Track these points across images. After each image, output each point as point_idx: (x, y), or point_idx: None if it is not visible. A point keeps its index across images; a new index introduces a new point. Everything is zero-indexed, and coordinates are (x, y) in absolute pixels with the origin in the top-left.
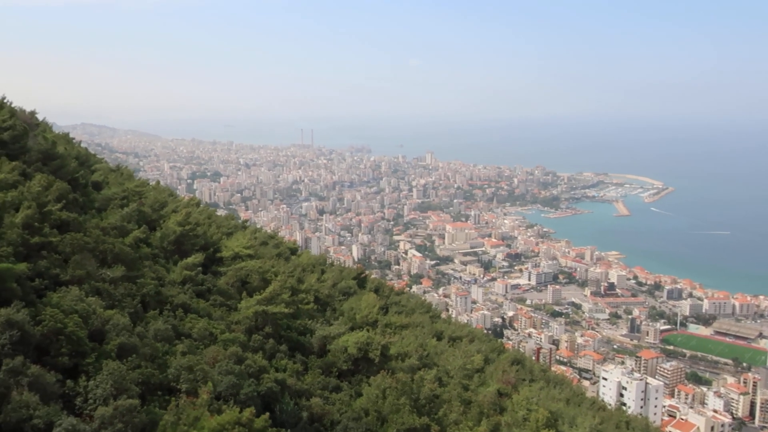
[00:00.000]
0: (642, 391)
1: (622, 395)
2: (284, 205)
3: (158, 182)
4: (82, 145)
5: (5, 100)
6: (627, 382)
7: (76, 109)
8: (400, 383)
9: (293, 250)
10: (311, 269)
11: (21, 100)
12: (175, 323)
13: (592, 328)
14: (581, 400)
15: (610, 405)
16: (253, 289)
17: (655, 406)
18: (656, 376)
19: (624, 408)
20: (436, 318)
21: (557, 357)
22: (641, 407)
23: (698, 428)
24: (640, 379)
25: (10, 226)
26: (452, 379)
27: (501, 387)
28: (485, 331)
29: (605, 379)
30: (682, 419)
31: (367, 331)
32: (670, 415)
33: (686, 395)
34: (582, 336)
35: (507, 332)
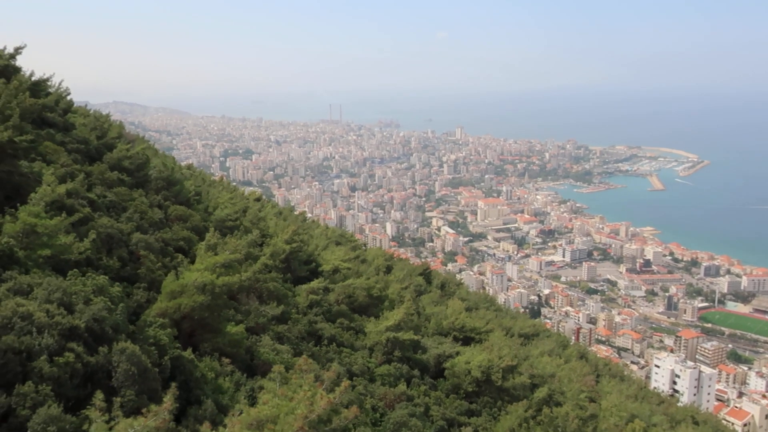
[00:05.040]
0: (695, 379)
1: (675, 383)
2: (316, 182)
3: (222, 178)
4: (117, 123)
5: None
6: (680, 371)
7: (108, 87)
8: (548, 417)
9: (353, 241)
10: (385, 269)
11: (55, 78)
12: (338, 359)
13: (629, 306)
14: (645, 394)
15: (664, 392)
16: (359, 305)
17: (708, 394)
18: (697, 356)
19: (677, 395)
20: (500, 312)
21: (596, 336)
22: (694, 395)
23: (753, 416)
24: (694, 368)
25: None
26: (569, 400)
27: (587, 391)
28: (522, 310)
29: (658, 366)
30: (737, 407)
31: (487, 352)
32: (718, 400)
33: (727, 375)
34: (619, 314)
35: (544, 310)
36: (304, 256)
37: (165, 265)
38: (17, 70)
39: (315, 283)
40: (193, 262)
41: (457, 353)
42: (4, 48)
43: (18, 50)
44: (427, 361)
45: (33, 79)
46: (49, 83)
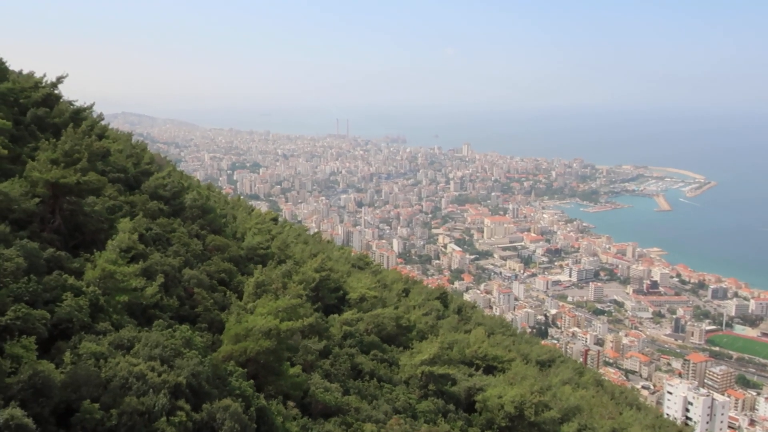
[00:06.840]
0: (708, 407)
1: (687, 410)
2: (323, 197)
3: (239, 198)
4: (142, 142)
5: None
6: (693, 398)
7: (117, 98)
8: None
9: (371, 264)
10: (403, 293)
11: (65, 89)
12: (381, 395)
13: (636, 327)
14: (662, 423)
15: (677, 420)
16: (387, 334)
17: (721, 422)
18: (705, 380)
19: (691, 424)
20: (516, 337)
21: (603, 358)
22: (707, 423)
23: None
24: (707, 395)
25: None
26: None
27: (612, 424)
28: (529, 330)
29: (670, 393)
30: None
31: (517, 386)
32: (730, 427)
33: (736, 400)
34: (626, 336)
35: (551, 331)
36: (332, 284)
37: (216, 301)
38: (58, 98)
39: (348, 315)
40: (240, 297)
41: (485, 385)
42: (44, 75)
43: (60, 79)
44: (458, 394)
45: (71, 105)
46: (87, 110)
